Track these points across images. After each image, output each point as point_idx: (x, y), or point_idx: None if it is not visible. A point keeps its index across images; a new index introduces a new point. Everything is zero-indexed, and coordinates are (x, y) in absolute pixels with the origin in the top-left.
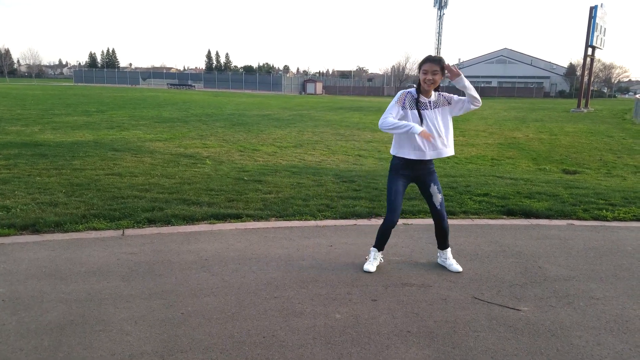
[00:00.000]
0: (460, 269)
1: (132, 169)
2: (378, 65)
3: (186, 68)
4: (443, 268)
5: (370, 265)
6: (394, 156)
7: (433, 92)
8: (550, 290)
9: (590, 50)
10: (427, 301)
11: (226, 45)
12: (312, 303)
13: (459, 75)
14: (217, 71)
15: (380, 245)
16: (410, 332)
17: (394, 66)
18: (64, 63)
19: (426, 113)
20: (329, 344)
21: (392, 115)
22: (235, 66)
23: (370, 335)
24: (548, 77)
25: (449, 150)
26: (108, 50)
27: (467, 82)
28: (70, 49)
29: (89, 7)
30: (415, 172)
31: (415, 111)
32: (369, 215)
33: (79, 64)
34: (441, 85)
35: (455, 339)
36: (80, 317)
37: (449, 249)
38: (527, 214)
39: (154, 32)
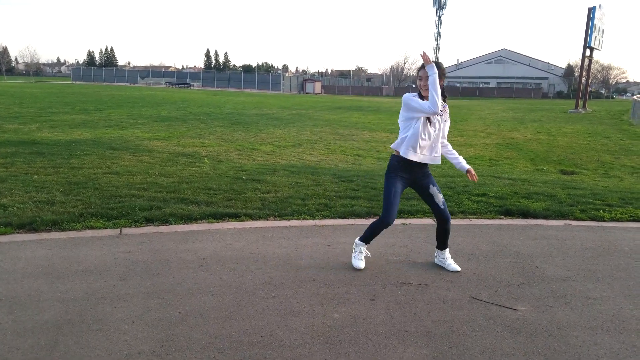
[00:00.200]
0: (458, 268)
1: (130, 167)
2: (377, 65)
3: (185, 67)
4: (441, 268)
5: (360, 262)
6: (393, 156)
7: None
8: (548, 290)
9: (588, 51)
10: (425, 301)
11: (225, 44)
12: (310, 302)
13: (429, 63)
14: (215, 70)
15: (367, 239)
16: (408, 332)
17: (392, 66)
18: (62, 61)
19: (432, 118)
20: (327, 343)
21: (420, 101)
22: (234, 65)
23: (368, 335)
24: (546, 78)
25: (429, 159)
26: (106, 49)
27: (431, 79)
28: (68, 47)
29: (87, 5)
30: (412, 175)
31: (426, 117)
32: (367, 214)
33: (77, 62)
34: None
35: (453, 339)
36: (77, 316)
37: (447, 250)
38: (525, 214)
39: (153, 30)
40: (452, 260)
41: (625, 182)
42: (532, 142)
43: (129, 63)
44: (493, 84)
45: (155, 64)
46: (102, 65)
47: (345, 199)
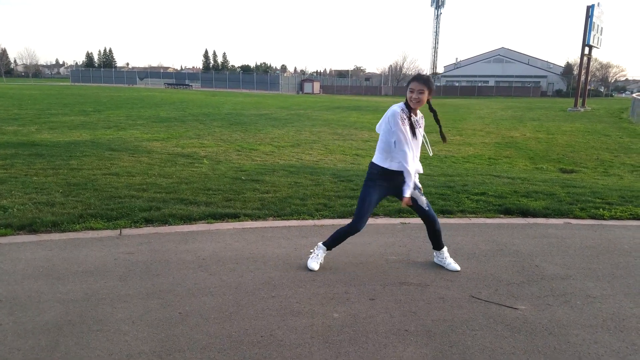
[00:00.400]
0: (458, 268)
1: (130, 168)
2: (375, 64)
3: (183, 67)
4: (440, 267)
5: (315, 263)
6: (373, 164)
7: (418, 112)
8: (548, 288)
9: (587, 50)
10: (424, 300)
11: (223, 45)
12: (310, 302)
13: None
14: (214, 71)
15: (330, 246)
16: (408, 331)
17: (391, 65)
18: (60, 63)
19: (418, 131)
20: (326, 343)
21: (409, 149)
22: (232, 66)
23: (368, 334)
24: (545, 77)
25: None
26: (105, 50)
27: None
28: (67, 49)
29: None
30: (392, 183)
31: (408, 128)
32: None
33: (76, 63)
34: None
35: (452, 338)
36: (78, 317)
37: (445, 249)
38: (524, 213)
39: (151, 31)
40: (451, 259)
41: (624, 180)
42: (531, 141)
43: (127, 64)
44: (492, 82)
45: (154, 64)
46: (101, 67)
47: (344, 199)
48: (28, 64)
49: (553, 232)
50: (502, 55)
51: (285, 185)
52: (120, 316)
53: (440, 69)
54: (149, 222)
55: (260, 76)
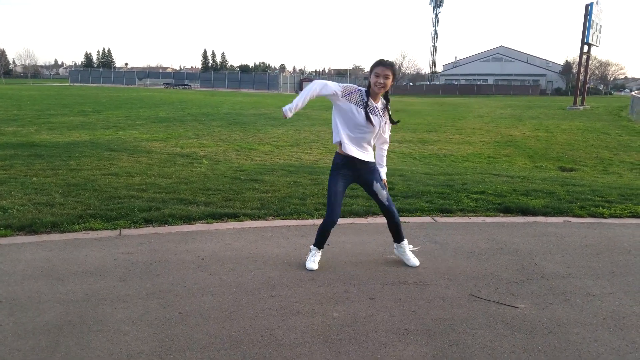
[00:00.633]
0: (416, 263)
1: (129, 169)
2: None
3: (182, 67)
4: (440, 266)
5: (312, 263)
6: (336, 154)
7: (381, 100)
8: (547, 287)
9: (586, 48)
10: (424, 299)
11: (222, 45)
12: (310, 302)
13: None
14: (213, 70)
15: (319, 244)
16: (408, 330)
17: None
18: (59, 63)
19: (374, 119)
20: (326, 342)
21: (325, 85)
22: (231, 65)
23: (368, 334)
24: (544, 75)
25: (372, 156)
26: (104, 50)
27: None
28: (65, 49)
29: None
30: (355, 172)
31: (362, 111)
32: (366, 213)
33: (75, 64)
34: (432, 83)
35: (452, 337)
36: (78, 317)
37: (405, 242)
38: (524, 212)
39: (150, 31)
40: (411, 254)
41: (624, 178)
42: (531, 139)
43: (126, 64)
44: (491, 81)
45: (153, 65)
46: (100, 67)
47: (343, 198)
48: (27, 64)
49: (553, 231)
50: (501, 54)
51: (284, 184)
52: (120, 316)
53: (439, 68)
54: (148, 222)
55: (259, 76)
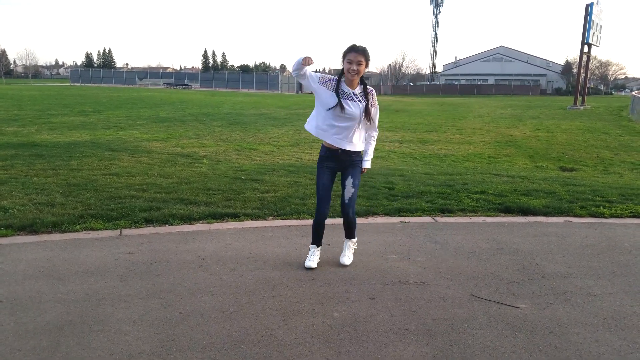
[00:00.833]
0: (347, 262)
1: (129, 168)
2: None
3: (183, 67)
4: (441, 266)
5: (311, 262)
6: (321, 146)
7: (359, 85)
8: (548, 287)
9: (586, 48)
10: (425, 299)
11: (223, 45)
12: (310, 302)
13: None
14: (213, 70)
15: (316, 240)
16: (409, 330)
17: (390, 64)
18: (60, 63)
19: (347, 103)
20: (327, 342)
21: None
22: (231, 65)
23: (369, 334)
24: (544, 75)
25: (358, 146)
26: (104, 50)
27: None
28: (66, 49)
29: (85, 7)
30: (339, 164)
31: (336, 100)
32: (366, 213)
33: (76, 64)
34: (433, 83)
35: (453, 337)
36: (79, 317)
37: (351, 241)
38: (524, 212)
39: (151, 31)
40: (348, 252)
41: (625, 178)
42: (531, 139)
43: (127, 64)
44: (491, 81)
45: (153, 65)
46: (100, 67)
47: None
48: (27, 64)
49: (553, 231)
50: (501, 54)
51: (285, 184)
52: (121, 316)
53: (439, 68)
54: (149, 222)
55: (260, 76)
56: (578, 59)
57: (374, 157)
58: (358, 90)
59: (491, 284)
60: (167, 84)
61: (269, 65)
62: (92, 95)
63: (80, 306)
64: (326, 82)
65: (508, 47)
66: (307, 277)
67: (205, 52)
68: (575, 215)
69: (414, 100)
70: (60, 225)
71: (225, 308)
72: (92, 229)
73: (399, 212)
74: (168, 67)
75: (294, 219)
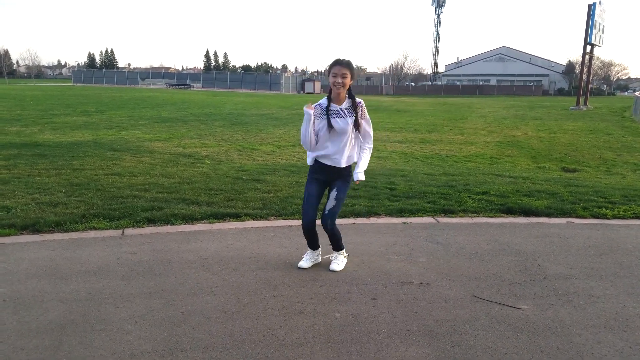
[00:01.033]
0: (336, 269)
1: (132, 168)
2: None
3: (185, 68)
4: (443, 267)
5: (303, 262)
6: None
7: (347, 99)
8: (550, 288)
9: (589, 48)
10: (426, 300)
11: (224, 45)
12: (312, 302)
13: (310, 109)
14: (215, 71)
15: (310, 245)
16: (410, 331)
17: (392, 65)
18: (62, 63)
19: (336, 121)
20: (328, 342)
21: (310, 119)
22: (233, 66)
23: (370, 334)
24: (547, 75)
25: (349, 161)
26: (107, 51)
27: (305, 118)
28: (69, 50)
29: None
30: (327, 177)
31: (325, 121)
32: (367, 214)
33: (78, 64)
34: (434, 83)
35: (455, 338)
36: (81, 316)
37: (339, 252)
38: (527, 212)
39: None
40: (338, 260)
41: (627, 179)
42: (533, 140)
43: (129, 65)
44: (493, 81)
45: (155, 65)
46: (103, 67)
47: (345, 199)
48: (30, 64)
49: (556, 232)
50: (503, 54)
51: (286, 184)
52: (123, 315)
53: (441, 68)
54: (151, 222)
55: (261, 76)
56: (580, 59)
57: (375, 157)
58: (346, 104)
59: (493, 285)
60: (169, 84)
61: (271, 65)
62: (94, 96)
63: (82, 305)
64: (319, 113)
65: (510, 47)
66: (309, 277)
67: (207, 52)
68: (578, 217)
69: (415, 100)
70: (63, 224)
71: (227, 308)
72: (94, 228)
73: (400, 213)
74: (170, 68)
75: (296, 219)
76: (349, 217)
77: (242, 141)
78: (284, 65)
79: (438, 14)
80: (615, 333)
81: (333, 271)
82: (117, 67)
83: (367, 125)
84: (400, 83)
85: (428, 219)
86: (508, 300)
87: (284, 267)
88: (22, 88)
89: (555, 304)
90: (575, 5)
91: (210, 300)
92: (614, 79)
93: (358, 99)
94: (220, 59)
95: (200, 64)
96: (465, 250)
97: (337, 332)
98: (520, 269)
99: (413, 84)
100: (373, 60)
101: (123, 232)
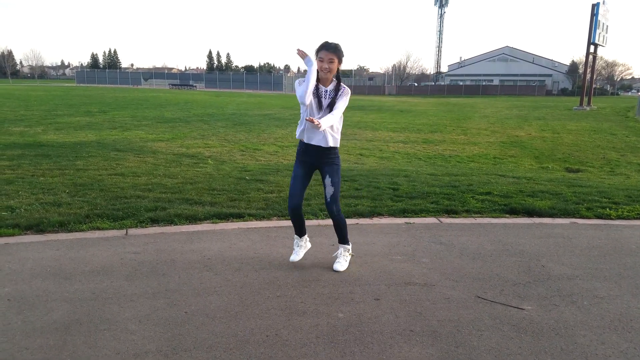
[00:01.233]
0: (339, 269)
1: (135, 169)
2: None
3: (187, 68)
4: (446, 267)
5: (295, 255)
6: (299, 142)
7: (333, 82)
8: (554, 289)
9: (592, 48)
10: (430, 300)
11: (227, 45)
12: (315, 302)
13: (305, 57)
14: (218, 71)
15: (297, 231)
16: (414, 331)
17: (394, 65)
18: (66, 64)
19: (325, 102)
20: (332, 343)
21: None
22: (236, 66)
23: (373, 335)
24: (550, 75)
25: (333, 142)
26: (110, 51)
27: (308, 70)
28: (72, 50)
29: (90, 7)
30: (314, 160)
31: (316, 99)
32: (370, 214)
33: (81, 64)
34: (437, 83)
35: (458, 338)
36: (85, 316)
37: (344, 247)
38: (530, 213)
39: (156, 32)
40: (342, 259)
41: (631, 180)
42: (537, 140)
43: (132, 65)
44: (496, 81)
45: (158, 65)
46: (106, 68)
47: (348, 199)
48: (34, 65)
49: (559, 232)
50: (506, 54)
51: (289, 185)
52: (127, 315)
53: (444, 68)
54: (154, 222)
55: (264, 76)
56: (584, 59)
57: (378, 157)
58: (331, 87)
59: (497, 286)
60: (172, 85)
61: (273, 65)
62: (97, 96)
63: (86, 305)
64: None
65: (513, 47)
66: (312, 277)
67: (210, 52)
68: (582, 217)
69: (418, 100)
70: (67, 224)
71: (230, 308)
72: (98, 228)
73: (403, 213)
74: (173, 68)
75: None
76: (352, 218)
77: (245, 141)
78: (286, 65)
79: (441, 13)
80: (620, 334)
81: (336, 271)
82: (120, 68)
83: (340, 104)
84: (403, 83)
85: (431, 220)
86: (512, 300)
87: (287, 267)
88: (25, 88)
89: (559, 305)
90: (579, 5)
91: (213, 300)
92: (618, 79)
93: (344, 85)
94: (223, 60)
95: (203, 65)
96: (469, 251)
97: (341, 332)
98: (524, 269)
99: (416, 84)
100: (376, 60)
101: (127, 232)
